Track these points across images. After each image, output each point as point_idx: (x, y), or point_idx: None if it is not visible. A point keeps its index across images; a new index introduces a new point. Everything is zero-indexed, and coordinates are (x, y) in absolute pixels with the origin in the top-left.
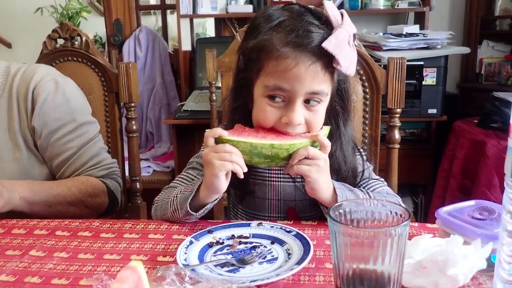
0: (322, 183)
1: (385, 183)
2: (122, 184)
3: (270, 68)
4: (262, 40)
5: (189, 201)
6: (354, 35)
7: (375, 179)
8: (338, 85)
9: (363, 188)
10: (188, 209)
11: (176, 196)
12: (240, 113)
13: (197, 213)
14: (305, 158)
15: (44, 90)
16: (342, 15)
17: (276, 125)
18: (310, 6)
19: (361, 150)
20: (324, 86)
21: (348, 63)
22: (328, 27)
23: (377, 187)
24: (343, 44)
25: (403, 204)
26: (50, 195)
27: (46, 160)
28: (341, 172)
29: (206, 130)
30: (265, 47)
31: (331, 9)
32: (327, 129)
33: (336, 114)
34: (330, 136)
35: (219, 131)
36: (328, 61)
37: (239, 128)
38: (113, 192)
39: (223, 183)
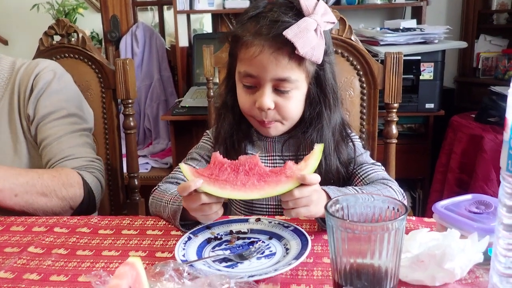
0: (321, 208)
1: (382, 167)
2: (120, 181)
3: (241, 55)
4: (238, 28)
5: (178, 219)
6: (327, 23)
7: (371, 163)
8: (315, 72)
9: (358, 174)
10: (180, 228)
11: (167, 204)
12: (231, 96)
13: (189, 230)
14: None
15: (43, 79)
16: (316, 4)
17: (253, 112)
18: None
19: (354, 137)
20: (290, 73)
21: (311, 50)
22: (300, 16)
23: (371, 172)
24: (306, 32)
25: (399, 188)
26: (16, 182)
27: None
28: (327, 161)
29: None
30: (239, 35)
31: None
32: (320, 148)
33: (317, 101)
34: (310, 123)
35: (193, 186)
36: (291, 48)
37: (218, 163)
38: (89, 186)
39: (212, 220)
